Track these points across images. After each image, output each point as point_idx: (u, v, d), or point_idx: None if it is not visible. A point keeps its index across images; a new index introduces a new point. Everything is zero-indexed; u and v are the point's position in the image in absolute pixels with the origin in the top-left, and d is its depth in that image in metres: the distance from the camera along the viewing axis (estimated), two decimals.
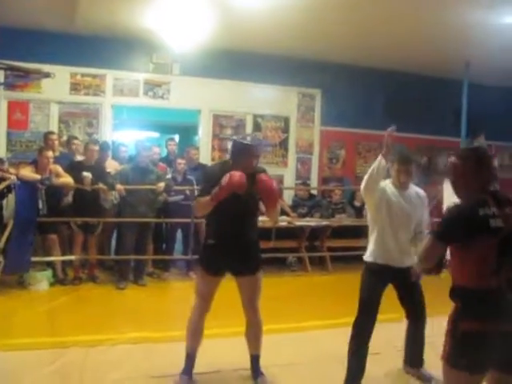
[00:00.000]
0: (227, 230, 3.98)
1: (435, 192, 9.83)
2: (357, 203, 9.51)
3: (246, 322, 4.21)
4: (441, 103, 10.68)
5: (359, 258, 8.31)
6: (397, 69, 10.12)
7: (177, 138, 12.45)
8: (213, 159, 9.45)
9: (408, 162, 4.25)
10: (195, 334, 4.13)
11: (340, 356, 4.31)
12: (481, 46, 8.13)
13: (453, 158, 2.95)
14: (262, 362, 4.30)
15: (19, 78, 7.99)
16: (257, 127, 9.84)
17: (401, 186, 4.24)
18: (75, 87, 8.73)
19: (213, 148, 9.58)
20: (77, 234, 7.23)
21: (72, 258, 7.24)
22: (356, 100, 10.34)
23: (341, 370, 4.26)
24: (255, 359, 4.22)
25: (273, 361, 4.55)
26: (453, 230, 2.75)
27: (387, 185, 4.25)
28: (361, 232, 8.94)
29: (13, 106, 8.50)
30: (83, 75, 8.76)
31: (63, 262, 7.28)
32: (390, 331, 4.91)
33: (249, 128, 9.76)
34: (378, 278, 4.15)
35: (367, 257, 4.26)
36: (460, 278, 2.79)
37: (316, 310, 6.32)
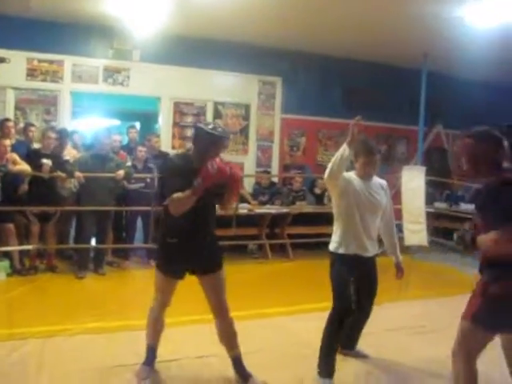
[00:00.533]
0: (190, 226, 3.73)
1: (395, 180, 9.99)
2: (317, 190, 9.61)
3: (218, 325, 3.98)
4: (399, 92, 10.82)
5: (320, 245, 8.54)
6: (357, 57, 10.21)
7: (138, 125, 12.36)
8: (173, 147, 9.41)
9: (373, 154, 4.24)
10: (156, 326, 4.05)
11: (305, 341, 4.37)
12: (439, 38, 8.26)
13: (470, 140, 3.26)
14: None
15: None
16: (217, 114, 9.81)
17: (365, 177, 4.23)
18: (32, 73, 8.56)
19: (173, 136, 9.52)
20: (33, 223, 7.10)
21: (29, 247, 7.14)
22: (316, 88, 10.41)
23: (306, 355, 4.32)
24: (238, 361, 4.04)
25: (241, 348, 4.58)
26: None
27: (351, 176, 4.23)
28: (321, 219, 9.04)
29: None
30: (40, 61, 8.60)
31: (21, 252, 7.17)
32: None
33: (209, 115, 9.73)
34: (349, 268, 4.10)
35: (336, 248, 4.18)
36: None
37: (278, 296, 6.39)
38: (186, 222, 3.66)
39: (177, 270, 3.84)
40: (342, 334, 4.20)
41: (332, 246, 4.22)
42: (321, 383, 4.04)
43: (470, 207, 10.49)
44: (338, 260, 4.15)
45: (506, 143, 3.27)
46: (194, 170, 3.53)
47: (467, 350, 3.21)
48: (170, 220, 3.71)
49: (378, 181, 4.37)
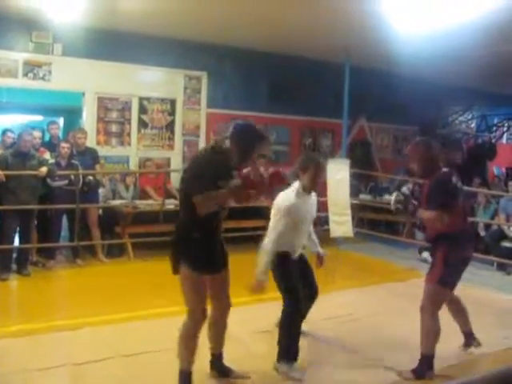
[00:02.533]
0: (216, 222, 3.78)
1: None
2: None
3: (213, 318, 3.97)
4: (324, 86, 11.00)
5: (247, 238, 8.60)
6: (281, 52, 10.31)
7: (61, 121, 12.08)
8: (98, 143, 9.24)
9: (325, 171, 4.78)
10: (192, 344, 3.76)
11: (232, 334, 4.40)
12: (360, 32, 8.40)
13: (419, 145, 4.38)
14: (155, 344, 4.33)
15: None
16: (143, 110, 9.70)
17: (308, 191, 4.41)
18: None
19: (98, 131, 9.35)
20: None
21: None
22: (242, 82, 10.47)
23: (233, 347, 4.37)
24: (220, 357, 4.11)
25: (170, 344, 4.59)
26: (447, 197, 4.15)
27: (296, 192, 4.36)
28: (249, 213, 9.09)
29: None
30: None
31: None
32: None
33: (134, 111, 9.61)
34: (291, 263, 4.42)
35: (275, 248, 4.30)
36: (446, 228, 4.13)
37: None
38: (212, 217, 3.66)
39: (212, 264, 3.78)
40: None
41: (270, 247, 4.32)
42: (287, 368, 4.26)
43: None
44: (282, 258, 4.37)
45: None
46: (231, 168, 3.58)
47: (434, 308, 4.27)
48: (195, 216, 3.59)
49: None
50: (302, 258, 4.65)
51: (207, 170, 3.58)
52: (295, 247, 4.48)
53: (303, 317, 4.53)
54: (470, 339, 4.79)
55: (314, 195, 4.58)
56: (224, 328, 4.06)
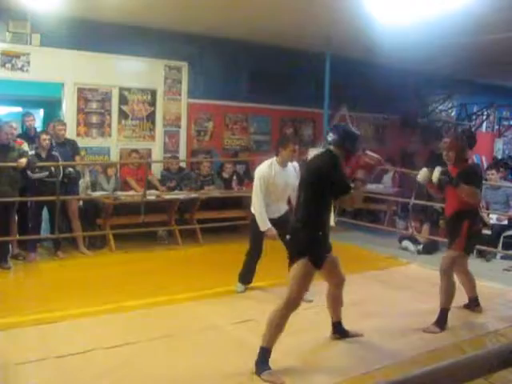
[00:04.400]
0: (326, 219, 4.33)
1: (301, 162, 10.17)
2: (225, 175, 9.68)
3: (331, 292, 4.77)
4: (305, 75, 11.02)
5: (228, 229, 8.62)
6: (262, 41, 10.29)
7: (41, 112, 11.97)
8: (78, 134, 9.18)
9: (296, 143, 5.77)
10: (281, 328, 4.13)
11: (215, 325, 4.43)
12: (341, 21, 8.41)
13: (457, 139, 5.48)
14: (136, 335, 4.33)
15: None
16: (123, 100, 9.65)
17: (284, 164, 5.67)
18: None
19: (78, 122, 9.28)
20: None
21: None
22: (222, 72, 10.45)
23: (216, 338, 4.39)
24: (340, 323, 4.86)
25: (150, 335, 4.61)
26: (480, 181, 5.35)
27: (272, 165, 5.68)
28: (230, 203, 9.11)
29: None
30: None
31: None
32: None
33: (115, 101, 9.54)
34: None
35: (262, 206, 5.67)
36: (469, 205, 5.13)
37: (189, 281, 6.42)
38: (325, 215, 4.25)
39: (322, 260, 4.27)
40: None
41: (253, 208, 5.83)
42: (239, 286, 6.04)
43: (376, 187, 10.89)
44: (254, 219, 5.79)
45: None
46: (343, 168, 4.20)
47: (452, 271, 5.20)
48: (316, 215, 4.18)
49: (291, 164, 5.79)
50: (281, 219, 5.71)
51: (342, 172, 4.18)
52: (270, 208, 5.72)
53: (256, 261, 6.05)
54: (473, 304, 5.73)
55: (292, 168, 5.77)
56: (340, 299, 4.75)
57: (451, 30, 8.41)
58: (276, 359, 4.09)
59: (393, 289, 6.55)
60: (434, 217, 9.11)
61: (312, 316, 5.33)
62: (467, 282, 5.68)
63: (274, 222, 5.70)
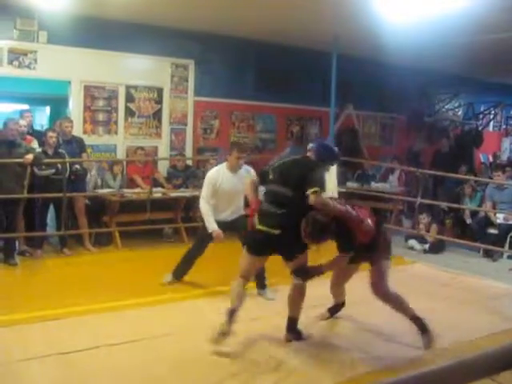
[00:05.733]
0: None
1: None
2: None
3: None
4: (311, 74, 11.00)
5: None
6: (268, 40, 10.28)
7: (48, 109, 12.01)
8: (85, 131, 9.20)
9: (245, 152, 6.16)
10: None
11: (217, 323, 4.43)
12: (348, 20, 8.39)
13: None
14: (141, 333, 4.34)
15: None
16: (130, 98, 9.66)
17: (234, 169, 5.87)
18: None
19: (84, 120, 9.30)
20: None
21: None
22: (229, 70, 10.45)
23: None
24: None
25: (155, 332, 4.62)
26: None
27: (221, 171, 5.94)
28: (159, 206, 9.00)
29: None
30: None
31: None
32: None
33: (121, 99, 9.56)
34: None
35: (208, 207, 5.88)
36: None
37: (195, 278, 6.40)
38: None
39: None
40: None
41: None
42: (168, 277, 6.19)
43: (382, 186, 10.88)
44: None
45: None
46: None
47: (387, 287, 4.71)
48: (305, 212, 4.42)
49: (243, 168, 5.97)
50: (235, 221, 5.96)
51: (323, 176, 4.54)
52: (218, 211, 5.92)
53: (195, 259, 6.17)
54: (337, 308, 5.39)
55: (246, 173, 5.85)
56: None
57: (457, 29, 8.36)
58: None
59: (396, 288, 6.51)
60: (440, 216, 9.09)
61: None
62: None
63: (226, 224, 5.92)
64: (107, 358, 4.20)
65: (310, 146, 5.31)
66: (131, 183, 8.91)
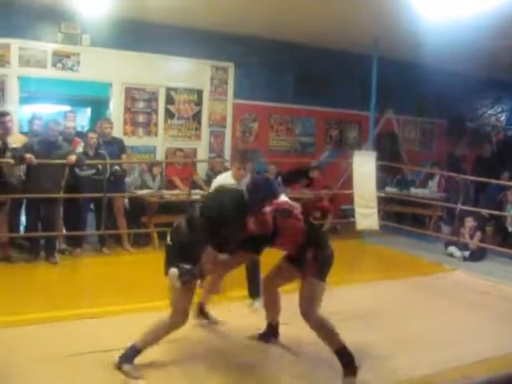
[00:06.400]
0: None
1: (346, 165, 10.12)
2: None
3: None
4: (351, 78, 10.93)
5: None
6: (308, 43, 10.25)
7: (89, 111, 12.17)
8: (125, 133, 9.32)
9: (246, 163, 5.49)
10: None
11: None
12: (389, 23, 8.30)
13: None
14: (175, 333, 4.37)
15: None
16: (170, 100, 9.75)
17: (237, 179, 5.38)
18: None
19: (125, 122, 9.42)
20: None
21: None
22: (268, 73, 10.45)
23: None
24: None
25: (191, 334, 4.63)
26: None
27: (227, 178, 5.53)
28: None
29: None
30: None
31: None
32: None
33: (161, 101, 9.66)
34: None
35: None
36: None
37: (233, 279, 6.38)
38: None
39: None
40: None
41: None
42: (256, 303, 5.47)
43: (421, 192, 10.75)
44: None
45: None
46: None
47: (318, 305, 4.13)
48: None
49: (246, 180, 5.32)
50: None
51: None
52: None
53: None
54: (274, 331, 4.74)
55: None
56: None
57: (500, 31, 8.21)
58: None
59: (433, 296, 6.42)
60: (480, 223, 8.92)
61: None
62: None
63: None
64: (143, 357, 4.22)
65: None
66: (170, 185, 8.97)
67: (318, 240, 4.28)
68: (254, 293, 5.60)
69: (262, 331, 4.73)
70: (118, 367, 3.92)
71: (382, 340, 4.87)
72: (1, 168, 6.95)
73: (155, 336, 4.05)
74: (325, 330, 4.10)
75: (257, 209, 3.98)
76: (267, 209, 3.99)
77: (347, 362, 4.05)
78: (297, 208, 4.31)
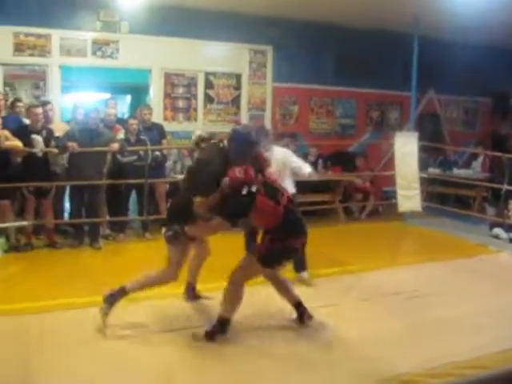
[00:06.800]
0: None
1: (388, 146, 10.00)
2: (311, 158, 9.56)
3: None
4: (392, 58, 10.75)
5: (311, 213, 8.50)
6: (347, 24, 10.11)
7: (128, 98, 12.29)
8: (165, 118, 9.39)
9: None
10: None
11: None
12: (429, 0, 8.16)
13: None
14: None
15: None
16: (209, 85, 9.78)
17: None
18: (19, 48, 8.45)
19: (165, 107, 9.49)
20: (29, 200, 7.09)
21: (24, 223, 7.15)
22: (307, 55, 10.37)
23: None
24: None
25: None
26: None
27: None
28: (314, 187, 8.95)
29: None
30: (27, 35, 8.47)
31: (17, 229, 7.17)
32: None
33: (200, 86, 9.69)
34: None
35: None
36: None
37: None
38: None
39: None
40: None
41: None
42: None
43: (465, 172, 10.56)
44: None
45: None
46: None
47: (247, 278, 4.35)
48: None
49: (277, 150, 5.62)
50: None
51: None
52: None
53: None
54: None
55: (282, 152, 5.70)
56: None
57: None
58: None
59: (477, 278, 6.29)
60: None
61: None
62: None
63: None
64: (189, 341, 4.27)
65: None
66: None
67: (290, 230, 4.29)
68: (299, 268, 5.74)
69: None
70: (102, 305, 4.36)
71: (423, 323, 4.82)
72: (46, 156, 7.08)
73: (143, 284, 4.51)
74: (232, 297, 4.31)
75: (236, 156, 4.24)
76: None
77: (218, 331, 4.29)
78: (284, 191, 4.44)
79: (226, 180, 4.10)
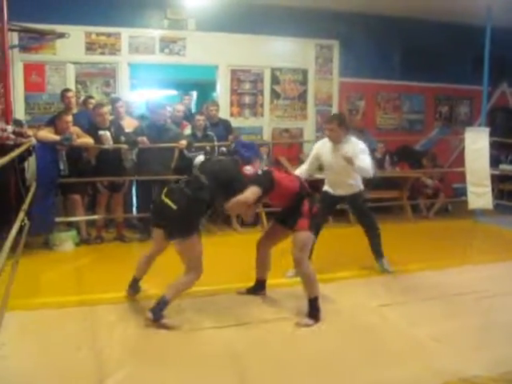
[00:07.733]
0: None
1: (458, 142, 9.76)
2: (378, 155, 9.42)
3: None
4: (461, 50, 10.46)
5: (379, 209, 8.37)
6: (414, 16, 9.89)
7: (195, 94, 12.40)
8: (232, 114, 9.44)
9: (329, 122, 5.70)
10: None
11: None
12: None
13: None
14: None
15: (33, 40, 7.99)
16: (275, 80, 9.78)
17: (333, 142, 5.64)
18: (90, 47, 8.67)
19: (231, 103, 9.54)
20: (103, 194, 7.28)
21: (95, 217, 7.33)
22: (374, 50, 10.20)
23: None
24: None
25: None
26: None
27: (326, 142, 5.76)
28: (382, 184, 8.84)
29: (28, 69, 8.44)
30: (98, 34, 8.68)
31: (87, 222, 7.36)
32: None
33: (267, 82, 9.71)
34: (327, 196, 5.92)
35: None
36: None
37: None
38: None
39: None
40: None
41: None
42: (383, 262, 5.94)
43: None
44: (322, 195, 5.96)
45: None
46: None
47: (307, 254, 4.66)
48: None
49: (350, 142, 5.65)
50: (346, 198, 5.95)
51: None
52: (330, 185, 5.92)
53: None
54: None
55: (353, 145, 5.61)
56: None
57: None
58: None
59: None
60: None
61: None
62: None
63: (344, 199, 6.04)
64: (240, 338, 4.27)
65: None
66: (277, 165, 9.00)
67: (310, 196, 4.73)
68: (377, 254, 5.98)
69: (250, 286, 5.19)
70: (155, 320, 4.33)
71: (495, 324, 4.66)
72: (119, 152, 7.23)
73: (179, 290, 4.60)
74: (309, 278, 4.56)
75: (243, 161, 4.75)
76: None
77: (315, 311, 4.53)
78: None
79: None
